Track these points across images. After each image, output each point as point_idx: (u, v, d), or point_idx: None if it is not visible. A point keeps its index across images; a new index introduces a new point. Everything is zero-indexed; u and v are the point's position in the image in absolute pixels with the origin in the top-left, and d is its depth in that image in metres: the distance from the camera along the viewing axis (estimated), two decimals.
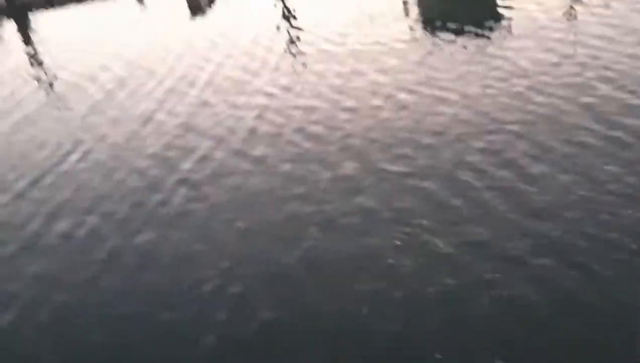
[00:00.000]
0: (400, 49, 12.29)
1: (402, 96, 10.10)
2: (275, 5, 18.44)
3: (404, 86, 10.48)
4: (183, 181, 8.72)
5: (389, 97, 10.18)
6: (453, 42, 12.13)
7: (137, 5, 21.94)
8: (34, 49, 18.86)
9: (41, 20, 22.48)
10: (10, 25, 22.68)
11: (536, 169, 7.34)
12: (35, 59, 17.56)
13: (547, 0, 13.25)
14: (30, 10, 23.61)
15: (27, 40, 20.41)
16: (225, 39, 15.36)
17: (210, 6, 19.41)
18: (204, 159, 9.26)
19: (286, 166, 8.55)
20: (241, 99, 11.28)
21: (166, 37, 16.62)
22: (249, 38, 15.02)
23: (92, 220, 8.15)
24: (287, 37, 14.96)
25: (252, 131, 9.89)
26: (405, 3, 15.80)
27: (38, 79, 15.41)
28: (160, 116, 11.26)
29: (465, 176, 7.46)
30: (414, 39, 12.76)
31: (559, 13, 12.42)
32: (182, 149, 9.78)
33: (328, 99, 10.58)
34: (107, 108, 12.20)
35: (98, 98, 12.87)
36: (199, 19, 18.22)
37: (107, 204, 8.48)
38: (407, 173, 7.80)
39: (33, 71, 16.37)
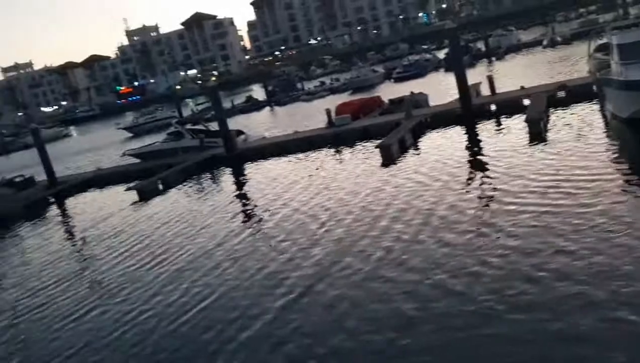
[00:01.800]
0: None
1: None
2: (467, 155, 18.74)
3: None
4: (406, 324, 8.78)
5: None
6: None
7: (335, 156, 23.82)
8: (245, 192, 21.22)
9: (253, 168, 25.39)
10: (228, 172, 25.93)
11: None
12: (246, 199, 19.71)
13: None
14: (246, 159, 26.85)
15: (239, 184, 23.08)
16: (416, 184, 15.90)
17: (401, 156, 20.35)
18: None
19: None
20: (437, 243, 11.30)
21: (360, 182, 17.71)
22: (438, 186, 15.33)
23: (318, 350, 8.54)
24: (479, 189, 14.89)
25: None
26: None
27: (252, 217, 17.12)
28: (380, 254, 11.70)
29: None
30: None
31: None
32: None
33: (525, 252, 10.13)
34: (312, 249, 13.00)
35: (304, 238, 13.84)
36: (390, 167, 19.16)
37: (331, 341, 8.80)
38: None
39: (248, 209, 18.31)
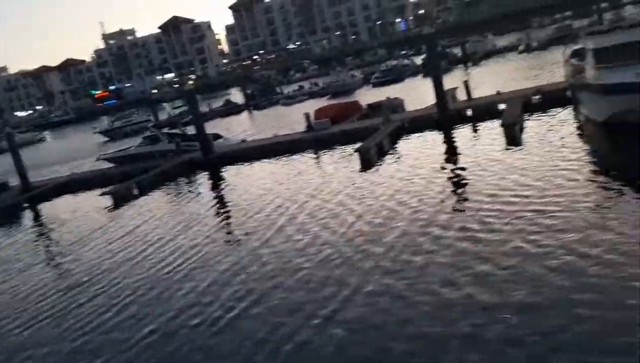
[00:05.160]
0: None
1: None
2: (444, 159, 18.82)
3: None
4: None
5: None
6: None
7: (314, 160, 23.80)
8: (222, 195, 21.04)
9: (231, 172, 25.21)
10: (205, 175, 25.71)
11: None
12: (223, 203, 19.54)
13: None
14: (224, 163, 26.65)
15: (216, 188, 22.89)
16: (394, 187, 15.92)
17: (379, 161, 20.39)
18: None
19: None
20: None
21: (336, 187, 17.67)
22: (414, 190, 15.39)
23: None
24: (454, 192, 14.97)
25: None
26: None
27: (228, 220, 16.96)
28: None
29: None
30: None
31: None
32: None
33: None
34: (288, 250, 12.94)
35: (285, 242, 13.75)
36: (369, 171, 19.20)
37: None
38: None
39: (224, 212, 18.13)
